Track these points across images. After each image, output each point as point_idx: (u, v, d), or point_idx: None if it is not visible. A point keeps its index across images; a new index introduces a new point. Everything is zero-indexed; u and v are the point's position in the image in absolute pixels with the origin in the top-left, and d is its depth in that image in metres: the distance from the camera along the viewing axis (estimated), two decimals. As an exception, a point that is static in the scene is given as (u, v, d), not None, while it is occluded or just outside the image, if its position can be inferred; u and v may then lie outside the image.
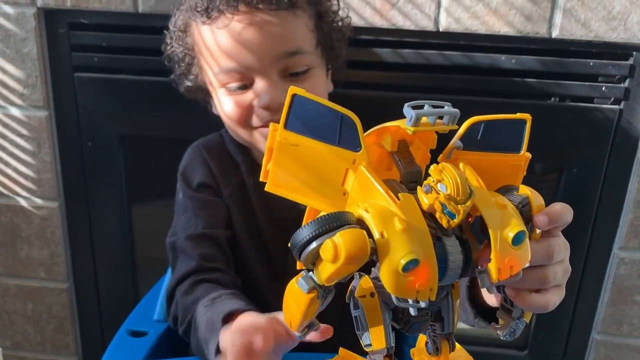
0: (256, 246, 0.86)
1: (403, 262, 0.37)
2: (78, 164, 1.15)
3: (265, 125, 0.79)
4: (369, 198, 0.41)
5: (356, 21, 0.96)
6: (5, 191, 1.17)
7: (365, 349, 0.45)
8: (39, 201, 1.17)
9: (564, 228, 0.49)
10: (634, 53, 0.97)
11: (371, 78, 1.03)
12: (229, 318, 0.61)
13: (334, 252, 0.37)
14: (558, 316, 1.15)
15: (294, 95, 0.41)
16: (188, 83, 0.87)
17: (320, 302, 0.42)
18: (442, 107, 0.42)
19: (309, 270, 0.41)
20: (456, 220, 0.39)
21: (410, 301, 0.39)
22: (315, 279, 0.40)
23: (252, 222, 0.86)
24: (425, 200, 0.40)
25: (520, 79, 1.00)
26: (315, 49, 0.81)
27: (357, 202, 0.41)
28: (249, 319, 0.59)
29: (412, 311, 0.41)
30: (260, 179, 0.45)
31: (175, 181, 0.88)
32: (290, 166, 0.43)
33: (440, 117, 0.42)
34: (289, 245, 0.40)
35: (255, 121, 0.80)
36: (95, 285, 1.25)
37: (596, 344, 1.17)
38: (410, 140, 0.45)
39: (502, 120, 0.48)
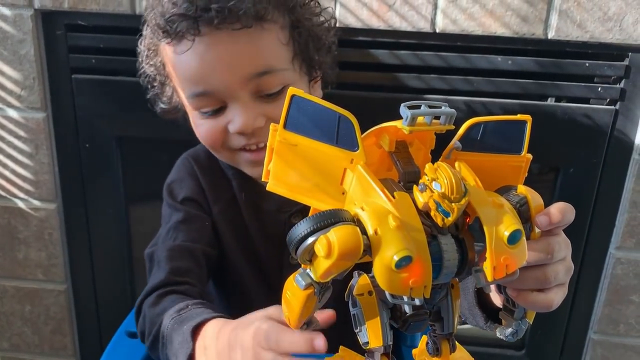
0: (249, 261, 0.85)
1: (396, 258, 0.37)
2: (76, 165, 1.15)
3: (246, 149, 0.76)
4: (365, 197, 0.41)
5: (353, 22, 0.97)
6: (2, 193, 1.17)
7: (362, 346, 0.46)
8: (36, 203, 1.17)
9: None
10: (630, 54, 0.98)
11: (368, 79, 1.03)
12: (198, 329, 0.59)
13: (328, 248, 0.38)
14: (555, 316, 1.16)
15: (292, 96, 0.43)
16: (162, 105, 0.83)
17: (317, 299, 0.43)
18: (439, 107, 0.42)
19: (306, 267, 0.42)
20: (451, 219, 0.40)
21: (405, 298, 0.39)
22: (312, 275, 0.41)
23: (244, 238, 0.84)
24: (421, 198, 0.40)
25: (516, 80, 1.00)
26: (292, 63, 0.74)
27: (354, 200, 0.42)
28: (219, 324, 0.58)
29: (407, 308, 0.42)
30: (262, 179, 0.46)
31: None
32: (290, 166, 0.44)
33: (437, 117, 0.43)
34: (287, 240, 0.41)
35: (234, 144, 0.76)
36: (93, 286, 1.25)
37: (593, 344, 1.17)
38: (410, 141, 0.46)
39: (503, 121, 0.48)
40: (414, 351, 0.51)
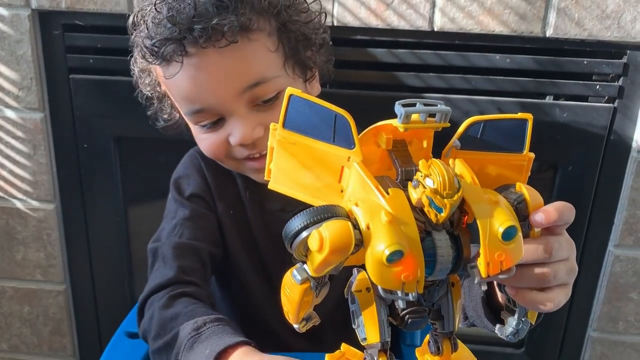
0: (253, 260, 0.85)
1: (387, 252, 0.37)
2: (74, 165, 1.15)
3: (250, 158, 0.76)
4: (360, 193, 0.42)
5: (351, 21, 0.97)
6: (1, 193, 1.17)
7: (361, 342, 0.46)
8: (35, 203, 1.17)
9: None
10: (628, 51, 0.98)
11: (366, 78, 1.03)
12: (221, 356, 0.58)
13: (320, 242, 0.39)
14: (554, 314, 1.15)
15: (290, 96, 0.43)
16: (164, 122, 0.84)
17: (314, 294, 0.44)
18: (434, 105, 0.42)
19: (303, 262, 0.42)
20: (444, 215, 0.40)
21: (400, 293, 0.39)
22: (308, 270, 0.42)
23: (248, 236, 0.84)
24: (414, 194, 0.41)
25: (514, 78, 1.00)
26: (283, 68, 0.74)
27: (350, 197, 0.43)
28: (242, 354, 0.56)
29: (400, 303, 0.42)
30: (265, 178, 0.47)
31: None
32: (290, 164, 0.45)
33: (433, 115, 0.43)
34: (282, 235, 0.41)
35: (237, 155, 0.76)
36: (92, 286, 1.25)
37: (592, 342, 1.17)
38: (409, 139, 0.46)
39: (503, 120, 0.48)
40: (416, 349, 0.51)
